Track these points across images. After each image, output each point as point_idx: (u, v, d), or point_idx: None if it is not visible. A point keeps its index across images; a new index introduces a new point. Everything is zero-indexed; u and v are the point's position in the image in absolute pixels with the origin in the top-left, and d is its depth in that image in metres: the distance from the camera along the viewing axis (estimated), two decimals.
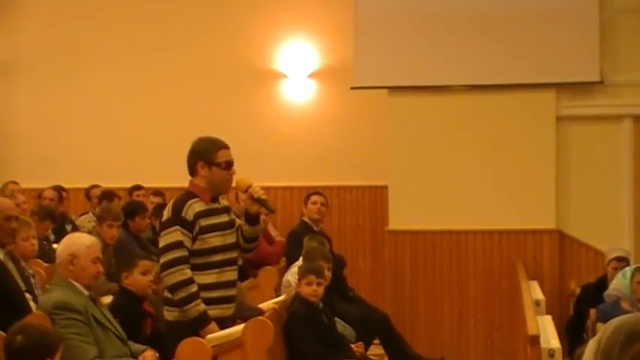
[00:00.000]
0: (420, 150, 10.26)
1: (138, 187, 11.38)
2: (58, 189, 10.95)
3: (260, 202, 6.03)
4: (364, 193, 11.86)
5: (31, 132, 12.41)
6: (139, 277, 6.50)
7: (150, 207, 10.22)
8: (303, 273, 7.05)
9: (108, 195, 10.65)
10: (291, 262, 8.92)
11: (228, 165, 6.00)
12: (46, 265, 7.77)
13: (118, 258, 8.41)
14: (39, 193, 10.91)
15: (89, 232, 8.99)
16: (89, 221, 10.65)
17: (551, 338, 6.63)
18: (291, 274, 8.47)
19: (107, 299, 6.70)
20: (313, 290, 6.94)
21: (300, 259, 8.54)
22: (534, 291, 8.68)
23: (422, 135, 10.25)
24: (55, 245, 7.93)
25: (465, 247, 10.25)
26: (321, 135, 11.93)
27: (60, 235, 9.10)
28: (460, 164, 10.16)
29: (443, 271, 10.23)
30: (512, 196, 10.08)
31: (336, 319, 7.70)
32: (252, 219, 6.10)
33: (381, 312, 9.60)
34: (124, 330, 5.83)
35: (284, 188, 11.85)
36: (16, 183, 10.86)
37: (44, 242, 8.95)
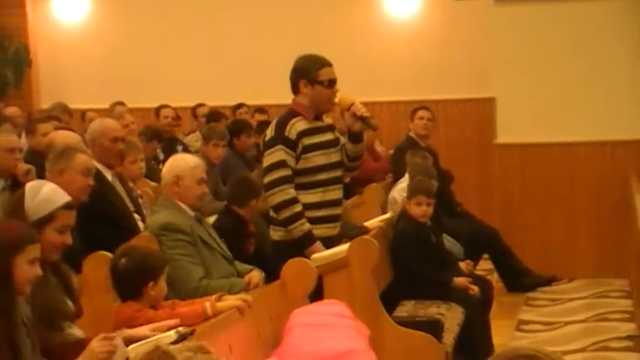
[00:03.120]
0: (527, 60, 9.98)
1: (241, 105, 11.38)
2: (173, 109, 11.01)
3: (363, 119, 5.95)
4: (471, 106, 11.64)
5: (138, 52, 12.46)
6: (254, 206, 6.53)
7: (254, 125, 10.21)
8: (412, 192, 6.94)
9: (214, 115, 10.67)
10: (397, 178, 8.85)
11: (331, 83, 5.92)
12: (154, 184, 7.83)
13: (225, 177, 8.45)
14: (156, 111, 10.99)
15: (195, 152, 9.06)
16: (196, 140, 10.71)
17: None
18: (397, 191, 8.40)
19: (212, 219, 6.72)
20: (423, 211, 6.84)
21: (406, 175, 8.46)
22: None
23: (529, 45, 9.97)
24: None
25: (575, 159, 10.01)
26: (426, 48, 11.72)
27: (170, 155, 9.16)
28: (569, 73, 9.87)
29: (553, 184, 10.02)
30: (623, 105, 9.77)
31: (444, 235, 7.62)
32: (355, 137, 6.03)
33: (489, 227, 9.50)
34: (227, 249, 5.85)
35: (389, 103, 11.72)
36: (122, 104, 10.96)
37: (152, 162, 9.03)
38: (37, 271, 3.85)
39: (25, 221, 4.14)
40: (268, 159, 5.90)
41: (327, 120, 6.15)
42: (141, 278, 4.44)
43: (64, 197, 4.38)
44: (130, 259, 4.48)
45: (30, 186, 4.41)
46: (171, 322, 4.20)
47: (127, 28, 12.57)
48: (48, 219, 4.23)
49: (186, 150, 10.14)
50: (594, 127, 9.87)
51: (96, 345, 3.87)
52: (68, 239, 4.32)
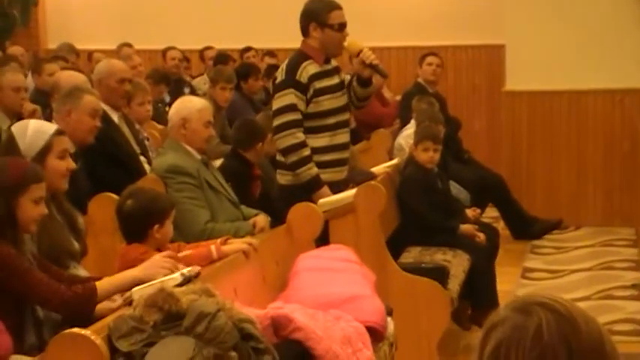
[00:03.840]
0: (538, 8, 9.86)
1: (248, 49, 11.30)
2: (180, 51, 10.94)
3: (372, 67, 5.90)
4: (480, 53, 11.57)
5: None
6: (260, 150, 6.49)
7: (263, 68, 10.15)
8: (419, 138, 6.90)
9: (222, 57, 10.61)
10: (404, 124, 8.81)
11: (341, 27, 5.86)
12: (160, 127, 7.81)
13: (232, 121, 8.42)
14: (163, 53, 10.93)
15: (203, 95, 9.02)
16: (204, 83, 10.66)
17: None
18: (403, 138, 8.37)
19: (219, 162, 6.70)
20: (430, 157, 6.80)
21: (412, 122, 8.42)
22: None
23: None
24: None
25: (584, 108, 9.94)
26: None
27: (176, 97, 9.11)
28: (580, 21, 9.75)
29: (561, 133, 9.97)
30: (635, 54, 9.67)
31: (451, 182, 7.59)
32: (364, 82, 5.99)
33: (495, 174, 9.47)
34: (233, 192, 5.83)
35: (398, 48, 11.63)
36: (130, 45, 10.89)
37: (159, 104, 8.99)
38: (43, 209, 3.85)
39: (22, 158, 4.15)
40: (278, 102, 5.86)
41: (334, 62, 6.10)
42: (147, 220, 4.42)
43: (52, 126, 4.42)
44: (136, 201, 4.46)
45: (15, 127, 4.42)
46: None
47: None
48: (46, 149, 4.25)
49: (193, 93, 10.08)
50: (604, 75, 9.78)
51: (160, 259, 3.91)
52: (71, 163, 4.38)
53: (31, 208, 3.81)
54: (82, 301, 3.76)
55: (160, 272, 3.89)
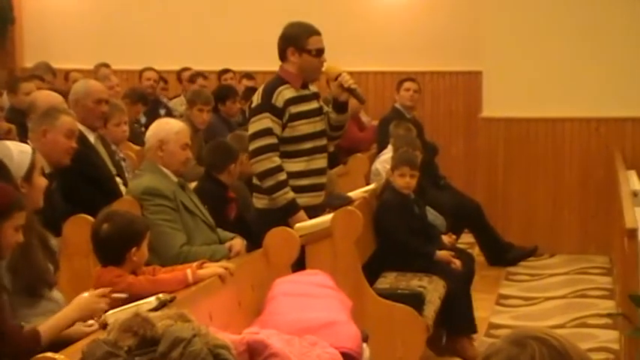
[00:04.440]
0: (516, 35, 9.93)
1: (226, 71, 11.29)
2: (157, 72, 10.91)
3: (350, 91, 5.90)
4: (458, 79, 11.59)
5: (125, 13, 12.32)
6: (234, 171, 6.45)
7: (241, 91, 10.14)
8: (396, 163, 6.92)
9: (194, 77, 10.58)
10: (381, 149, 8.82)
11: (319, 52, 5.87)
12: (137, 148, 7.78)
13: (209, 143, 8.39)
14: (139, 74, 10.90)
15: (180, 116, 8.99)
16: (181, 104, 10.63)
17: None
18: (380, 163, 8.38)
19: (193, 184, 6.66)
20: (406, 182, 6.81)
21: (389, 147, 8.43)
22: (632, 181, 8.43)
23: (518, 19, 9.91)
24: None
25: (561, 135, 9.99)
26: (414, 19, 11.63)
27: (152, 119, 9.07)
28: (558, 49, 9.82)
29: (538, 160, 10.00)
30: (611, 83, 9.73)
31: (427, 207, 7.58)
32: (340, 107, 5.99)
33: (472, 200, 9.49)
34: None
35: (375, 73, 11.65)
36: (107, 65, 10.85)
37: (135, 125, 8.96)
38: (20, 237, 3.83)
39: (14, 181, 4.14)
40: (254, 126, 5.85)
41: (313, 88, 6.10)
42: (123, 244, 4.39)
43: (27, 146, 4.47)
44: (112, 224, 4.42)
45: None
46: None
47: None
48: (32, 168, 4.24)
49: (169, 113, 10.06)
50: (580, 103, 9.85)
51: (92, 298, 3.86)
52: (45, 180, 4.43)
53: (11, 235, 3.79)
54: (28, 340, 3.72)
55: (97, 311, 3.86)
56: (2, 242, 3.77)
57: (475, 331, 6.71)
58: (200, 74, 10.77)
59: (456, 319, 6.53)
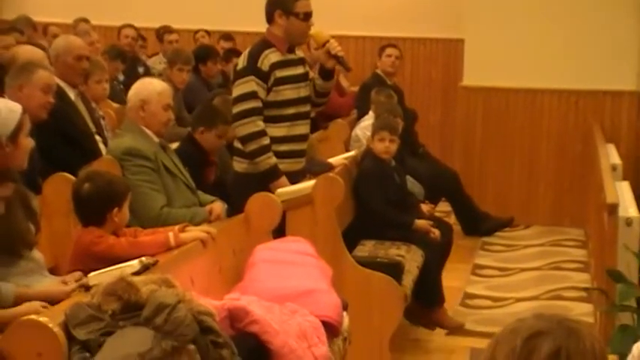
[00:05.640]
0: (499, 4, 9.88)
1: (198, 31, 11.21)
2: (137, 30, 10.80)
3: (337, 58, 5.86)
4: (438, 46, 11.55)
5: None
6: (213, 139, 6.38)
7: (220, 51, 10.06)
8: (376, 129, 6.90)
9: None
10: (361, 115, 8.79)
11: (307, 16, 5.81)
12: (116, 106, 7.69)
13: (189, 103, 8.34)
14: (118, 31, 10.78)
15: (159, 75, 8.91)
16: (159, 63, 10.54)
17: (628, 206, 6.40)
18: (360, 129, 8.35)
19: (174, 145, 6.60)
20: (385, 147, 6.79)
21: (370, 113, 8.40)
22: (611, 155, 8.44)
23: None
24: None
25: (539, 107, 9.98)
26: None
27: (130, 76, 9.01)
28: (539, 20, 9.79)
29: (515, 130, 10.00)
30: (591, 56, 9.72)
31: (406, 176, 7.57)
32: (327, 74, 5.95)
33: (450, 170, 9.49)
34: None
35: (356, 38, 11.58)
36: (87, 21, 10.71)
37: (114, 82, 8.86)
38: (2, 209, 3.78)
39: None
40: (239, 89, 5.79)
41: (299, 53, 6.04)
42: (104, 204, 4.35)
43: (18, 105, 4.34)
44: (93, 184, 4.38)
45: None
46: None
47: None
48: (19, 128, 4.16)
49: (147, 72, 9.97)
50: (560, 75, 9.84)
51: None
52: (32, 142, 4.33)
53: None
54: None
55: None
56: None
57: (443, 302, 6.70)
58: (167, 28, 10.72)
59: (431, 288, 6.52)
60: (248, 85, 5.74)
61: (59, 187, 4.96)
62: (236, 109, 5.80)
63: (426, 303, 6.58)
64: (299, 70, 5.91)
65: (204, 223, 5.16)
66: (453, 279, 7.36)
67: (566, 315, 1.93)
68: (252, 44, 5.99)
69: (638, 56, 9.68)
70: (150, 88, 5.67)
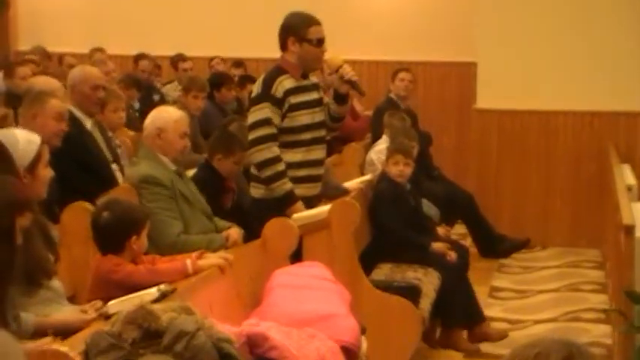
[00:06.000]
0: (511, 26, 9.91)
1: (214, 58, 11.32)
2: (152, 59, 10.88)
3: (350, 83, 5.90)
4: (452, 70, 11.59)
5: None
6: (231, 165, 6.41)
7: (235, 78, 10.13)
8: (390, 152, 6.94)
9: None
10: (375, 139, 8.80)
11: (320, 42, 5.85)
12: (132, 133, 7.75)
13: (204, 130, 8.38)
14: (134, 59, 10.86)
15: (174, 102, 8.97)
16: (174, 90, 10.61)
17: None
18: (375, 153, 8.37)
19: (190, 172, 6.64)
20: (400, 170, 6.82)
21: (384, 137, 8.42)
22: (626, 175, 8.44)
23: (514, 11, 9.90)
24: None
25: (554, 128, 9.98)
26: (410, 9, 11.64)
27: (146, 104, 9.08)
28: (553, 42, 9.81)
29: (530, 152, 10.00)
30: (605, 76, 9.73)
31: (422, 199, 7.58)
32: (341, 99, 5.99)
33: (465, 192, 9.49)
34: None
35: (369, 62, 11.62)
36: (102, 50, 10.80)
37: (130, 110, 8.93)
38: (19, 239, 3.80)
39: (17, 170, 4.09)
40: (254, 116, 5.83)
41: (313, 78, 6.08)
42: (124, 232, 4.38)
43: (36, 136, 4.39)
44: (112, 213, 4.41)
45: (2, 137, 4.34)
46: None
47: None
48: (37, 158, 4.20)
49: (163, 100, 10.05)
50: (574, 96, 9.84)
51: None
52: (51, 172, 4.36)
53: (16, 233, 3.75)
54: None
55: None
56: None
57: (483, 319, 6.70)
58: (181, 57, 10.81)
59: (451, 311, 6.53)
60: (263, 111, 5.78)
61: (77, 215, 4.98)
62: (251, 136, 5.83)
63: (446, 324, 6.60)
64: (313, 95, 5.95)
65: (222, 249, 5.18)
66: None
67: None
68: (265, 71, 6.03)
69: None
70: (166, 116, 5.72)
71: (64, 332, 3.80)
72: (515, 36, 9.89)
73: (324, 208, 5.79)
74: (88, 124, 6.45)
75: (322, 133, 6.01)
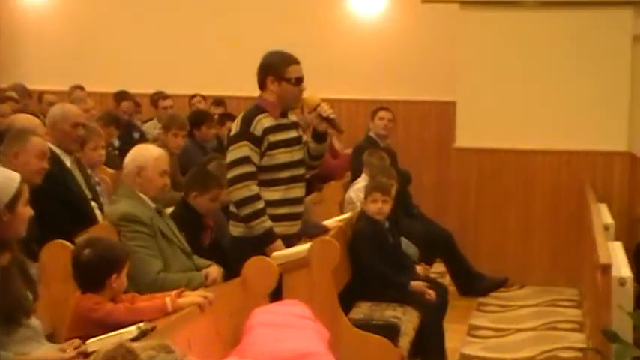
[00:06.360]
0: (490, 66, 10.01)
1: (194, 96, 11.36)
2: (132, 97, 10.91)
3: (329, 121, 5.94)
4: (431, 109, 11.67)
5: (99, 35, 12.33)
6: (207, 203, 6.41)
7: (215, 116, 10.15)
8: (369, 190, 6.98)
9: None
10: (355, 177, 8.84)
11: (298, 81, 5.89)
12: (111, 171, 7.75)
13: (184, 168, 8.38)
14: (115, 98, 10.88)
15: (154, 140, 8.98)
16: (154, 128, 10.63)
17: (622, 266, 6.45)
18: (354, 191, 8.41)
19: (169, 210, 6.64)
20: (378, 208, 6.86)
21: (363, 175, 8.46)
22: (603, 214, 8.50)
23: (493, 51, 10.00)
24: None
25: (532, 167, 10.05)
26: (389, 48, 11.72)
27: (126, 142, 9.09)
28: (531, 82, 9.91)
29: (509, 191, 10.06)
30: (583, 117, 9.82)
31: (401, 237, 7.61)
32: (319, 137, 6.02)
33: (444, 230, 9.52)
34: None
35: (349, 101, 11.68)
36: (82, 88, 10.82)
37: (109, 148, 8.93)
38: None
39: None
40: (232, 154, 5.85)
41: (292, 117, 6.12)
42: (105, 270, 4.38)
43: (16, 174, 4.35)
44: (94, 250, 4.41)
45: None
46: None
47: (88, 11, 12.44)
48: (17, 196, 4.19)
49: (143, 137, 10.05)
50: (552, 136, 9.93)
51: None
52: (31, 210, 4.31)
53: None
54: None
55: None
56: None
57: None
58: (161, 94, 10.85)
59: (429, 350, 6.54)
60: (241, 150, 5.81)
61: (57, 253, 4.99)
62: (230, 175, 5.85)
63: None
64: (292, 133, 5.98)
65: (201, 288, 5.18)
66: (449, 340, 7.34)
67: None
68: (245, 109, 6.06)
69: (629, 118, 9.78)
70: (146, 154, 5.74)
71: None
72: (494, 76, 9.98)
73: (303, 247, 5.81)
74: (68, 161, 6.46)
75: (301, 171, 6.04)
